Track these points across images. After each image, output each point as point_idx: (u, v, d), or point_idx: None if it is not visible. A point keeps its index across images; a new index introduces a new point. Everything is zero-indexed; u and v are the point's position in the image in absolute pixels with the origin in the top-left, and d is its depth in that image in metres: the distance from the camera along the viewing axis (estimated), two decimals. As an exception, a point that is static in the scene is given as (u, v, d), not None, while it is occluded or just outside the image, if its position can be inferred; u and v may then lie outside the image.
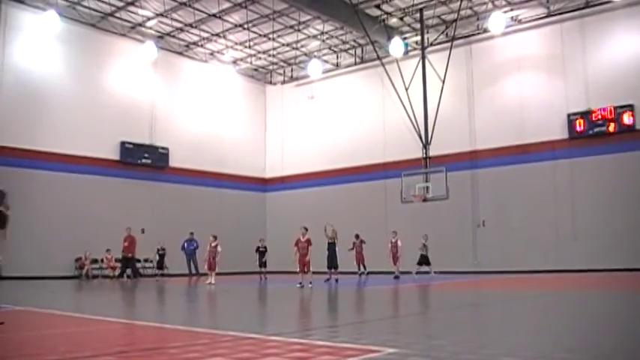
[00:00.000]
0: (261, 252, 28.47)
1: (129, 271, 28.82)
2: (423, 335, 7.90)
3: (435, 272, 27.99)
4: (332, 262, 23.50)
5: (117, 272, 29.62)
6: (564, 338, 7.29)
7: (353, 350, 6.11)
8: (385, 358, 5.61)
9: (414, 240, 28.44)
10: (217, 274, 24.34)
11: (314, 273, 20.96)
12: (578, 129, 29.24)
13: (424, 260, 28.23)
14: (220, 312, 13.30)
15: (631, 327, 8.31)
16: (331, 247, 23.57)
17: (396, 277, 26.03)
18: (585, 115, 29.06)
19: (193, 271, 29.88)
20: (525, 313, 11.04)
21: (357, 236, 27.75)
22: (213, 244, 24.33)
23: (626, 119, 28.04)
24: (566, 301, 13.38)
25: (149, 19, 32.70)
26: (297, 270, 20.74)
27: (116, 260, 29.47)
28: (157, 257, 30.97)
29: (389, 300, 15.79)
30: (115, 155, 32.46)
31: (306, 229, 20.73)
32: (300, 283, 20.01)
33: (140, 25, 33.21)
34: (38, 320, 10.30)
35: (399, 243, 26.98)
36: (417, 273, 27.95)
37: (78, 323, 9.78)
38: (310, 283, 19.86)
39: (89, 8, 30.89)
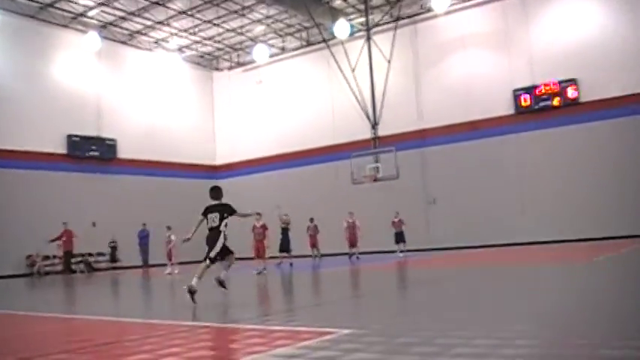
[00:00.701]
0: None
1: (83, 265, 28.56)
2: (378, 315, 8.00)
3: (401, 252, 27.50)
4: (285, 247, 23.63)
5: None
6: (507, 311, 7.47)
7: (308, 333, 6.17)
8: (340, 340, 5.69)
9: (368, 220, 28.61)
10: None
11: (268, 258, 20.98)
12: (523, 104, 29.72)
13: (400, 238, 27.87)
14: (177, 302, 13.26)
15: (570, 301, 8.53)
16: (285, 231, 23.71)
17: (353, 257, 26.06)
18: (530, 90, 29.54)
19: (140, 262, 29.70)
20: (479, 288, 11.23)
21: (311, 220, 27.74)
22: (168, 235, 24.33)
23: (570, 93, 28.60)
24: (514, 275, 13.67)
25: (91, 8, 32.04)
26: (252, 256, 20.72)
27: (59, 257, 28.81)
28: (110, 250, 30.82)
29: (345, 281, 15.92)
30: (62, 149, 31.88)
31: (260, 215, 20.65)
32: (258, 270, 19.94)
33: (82, 15, 32.54)
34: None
35: (358, 223, 26.99)
36: (402, 252, 27.33)
37: (35, 322, 9.66)
38: (264, 268, 19.83)
39: (27, -1, 30.28)
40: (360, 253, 27.12)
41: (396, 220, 27.68)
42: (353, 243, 26.81)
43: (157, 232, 28.17)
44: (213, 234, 10.55)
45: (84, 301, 14.73)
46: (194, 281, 10.01)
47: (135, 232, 29.56)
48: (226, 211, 10.72)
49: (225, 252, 10.70)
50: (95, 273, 29.65)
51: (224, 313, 9.11)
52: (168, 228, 24.66)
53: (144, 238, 29.35)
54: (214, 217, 10.60)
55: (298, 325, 6.83)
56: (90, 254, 31.31)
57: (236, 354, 5.27)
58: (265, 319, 8.01)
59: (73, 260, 29.54)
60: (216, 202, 10.91)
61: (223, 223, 10.58)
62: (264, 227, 20.43)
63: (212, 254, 10.48)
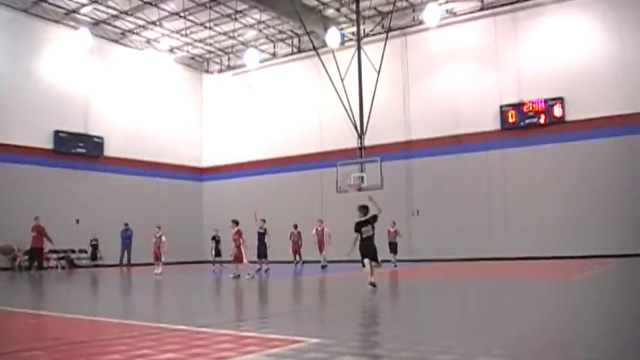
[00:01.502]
0: (217, 241, 28.52)
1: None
2: (350, 325, 8.10)
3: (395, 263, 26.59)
4: (261, 252, 23.58)
5: (50, 263, 29.29)
6: (476, 327, 7.58)
7: (278, 341, 6.27)
8: (308, 348, 5.79)
9: (351, 229, 28.63)
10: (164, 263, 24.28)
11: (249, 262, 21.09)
12: (510, 120, 29.99)
13: (393, 248, 27.14)
14: (152, 303, 13.33)
15: (548, 317, 8.65)
16: (260, 237, 23.59)
17: (322, 267, 25.76)
18: (517, 106, 29.83)
19: (125, 262, 29.69)
20: (452, 302, 11.34)
21: (295, 226, 27.76)
22: (157, 235, 24.19)
23: (557, 111, 28.90)
24: (491, 291, 13.79)
25: (83, 5, 32.10)
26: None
27: (25, 252, 28.37)
28: (90, 248, 30.81)
29: (322, 289, 16.01)
30: (48, 144, 31.86)
31: (235, 222, 20.76)
32: (234, 274, 20.02)
33: (74, 11, 32.57)
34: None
35: (327, 230, 26.96)
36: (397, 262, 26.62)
37: (7, 318, 9.70)
38: (249, 274, 19.99)
39: (21, -7, 30.26)
40: (340, 262, 27.11)
41: (391, 229, 27.33)
42: (320, 249, 26.64)
43: (140, 231, 28.20)
44: (369, 242, 12.93)
45: (60, 297, 14.74)
46: (372, 279, 12.64)
47: (118, 231, 29.62)
48: (374, 221, 13.03)
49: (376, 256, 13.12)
50: (75, 270, 29.61)
51: (197, 317, 9.17)
52: (159, 228, 24.53)
53: (127, 238, 29.42)
54: (368, 229, 12.94)
55: (269, 332, 6.92)
56: (72, 251, 31.31)
57: (204, 358, 5.36)
58: (238, 325, 8.10)
59: (55, 256, 29.64)
60: (365, 217, 13.05)
61: (374, 231, 13.05)
62: (238, 234, 20.53)
63: (374, 256, 12.90)
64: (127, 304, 13.12)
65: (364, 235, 12.92)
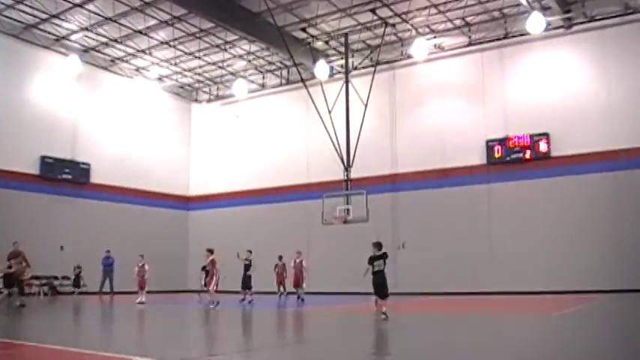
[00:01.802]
0: (207, 271, 28.38)
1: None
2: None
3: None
4: (246, 284, 23.60)
5: (32, 290, 29.00)
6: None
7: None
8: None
9: (336, 261, 28.62)
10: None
11: (230, 293, 21.01)
12: (496, 155, 30.13)
13: None
14: (134, 334, 13.24)
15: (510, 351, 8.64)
16: (246, 268, 23.61)
17: (301, 300, 25.33)
18: (503, 141, 29.98)
19: (106, 289, 29.47)
20: (440, 337, 11.32)
21: (280, 258, 27.65)
22: (140, 264, 24.08)
23: (542, 147, 29.07)
24: (473, 326, 13.78)
25: (74, 32, 32.13)
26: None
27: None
28: (74, 275, 30.63)
29: (300, 323, 15.94)
30: (34, 170, 31.67)
31: (209, 251, 20.79)
32: (212, 304, 20.01)
33: (64, 38, 32.61)
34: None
35: (304, 263, 26.68)
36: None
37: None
38: (217, 303, 19.82)
39: (11, 18, 30.25)
40: (327, 294, 27.07)
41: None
42: (296, 282, 26.52)
43: (125, 259, 28.04)
44: (381, 276, 14.23)
45: (38, 326, 14.60)
46: (384, 309, 14.03)
47: (101, 258, 29.50)
48: (386, 257, 14.33)
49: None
50: (58, 297, 29.38)
51: (173, 349, 9.10)
52: (142, 256, 24.41)
53: (108, 266, 29.29)
54: (380, 263, 14.23)
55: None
56: (55, 277, 31.07)
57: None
58: (211, 359, 8.06)
59: (37, 283, 29.37)
60: (378, 252, 14.36)
61: (385, 267, 14.27)
62: (211, 263, 20.58)
63: (384, 290, 14.24)
64: (105, 334, 13.03)
65: (375, 269, 14.18)
